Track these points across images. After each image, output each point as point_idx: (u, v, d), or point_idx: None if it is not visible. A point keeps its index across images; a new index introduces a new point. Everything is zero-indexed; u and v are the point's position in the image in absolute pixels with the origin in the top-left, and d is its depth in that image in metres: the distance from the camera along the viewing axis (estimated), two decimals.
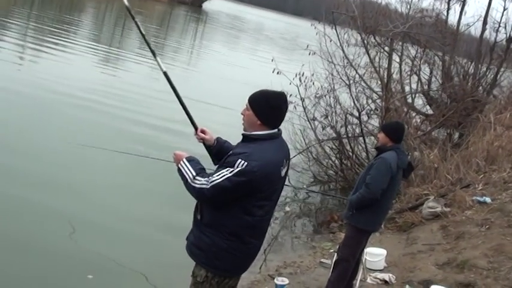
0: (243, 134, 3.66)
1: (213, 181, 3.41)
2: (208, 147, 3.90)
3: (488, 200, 8.66)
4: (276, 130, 3.63)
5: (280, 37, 57.08)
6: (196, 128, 3.91)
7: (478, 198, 8.73)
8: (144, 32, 4.11)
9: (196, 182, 3.48)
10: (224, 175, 3.40)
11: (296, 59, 25.31)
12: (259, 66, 26.06)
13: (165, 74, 3.98)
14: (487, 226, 7.76)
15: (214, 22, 61.30)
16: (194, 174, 3.52)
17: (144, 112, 13.80)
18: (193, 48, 28.67)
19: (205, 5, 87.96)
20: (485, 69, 15.28)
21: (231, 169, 3.39)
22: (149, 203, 8.38)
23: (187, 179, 3.53)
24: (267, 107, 3.57)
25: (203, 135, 3.87)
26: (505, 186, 9.31)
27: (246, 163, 3.37)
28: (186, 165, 3.59)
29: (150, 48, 4.23)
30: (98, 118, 12.35)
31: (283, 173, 3.66)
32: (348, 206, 5.93)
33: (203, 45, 30.91)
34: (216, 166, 3.61)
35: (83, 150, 8.75)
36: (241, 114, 3.66)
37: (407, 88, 14.39)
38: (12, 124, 10.57)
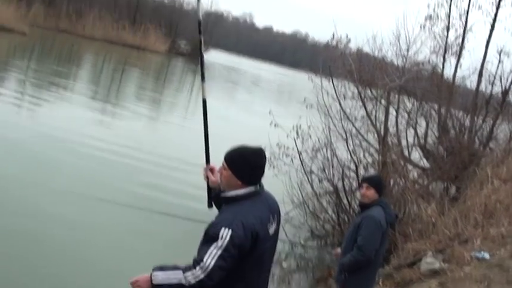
0: (222, 196, 3.53)
1: (207, 267, 3.16)
2: (210, 188, 3.84)
3: (486, 255, 8.55)
4: (257, 187, 3.51)
5: (277, 89, 57.53)
6: (208, 162, 3.88)
7: (477, 254, 8.63)
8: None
9: (190, 277, 3.19)
10: (214, 254, 3.16)
11: (293, 111, 25.40)
12: (255, 118, 26.14)
13: (204, 101, 4.00)
14: (486, 283, 7.65)
15: (211, 74, 61.66)
16: (181, 274, 3.21)
17: (143, 163, 13.79)
18: (189, 103, 28.76)
19: None
20: (481, 122, 15.31)
21: (219, 243, 3.17)
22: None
23: (179, 282, 3.21)
24: (246, 165, 3.45)
25: (210, 173, 3.81)
26: (503, 241, 9.21)
27: (229, 230, 3.19)
28: (163, 275, 3.25)
29: (202, 71, 4.46)
30: (97, 168, 12.34)
31: (271, 230, 3.50)
32: (340, 269, 5.73)
33: (199, 99, 30.99)
34: (201, 239, 3.31)
35: (83, 203, 8.69)
36: (218, 172, 3.62)
37: (403, 141, 14.39)
38: (11, 176, 10.53)
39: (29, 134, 13.89)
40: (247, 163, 3.46)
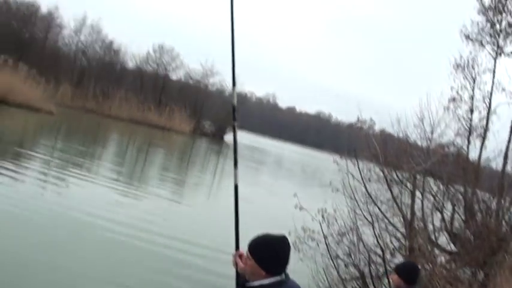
0: (247, 287, 3.47)
1: None
2: (239, 275, 3.78)
3: None
4: (282, 276, 3.42)
5: (301, 170, 57.46)
6: (237, 248, 3.82)
7: None
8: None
9: None
10: None
11: (317, 193, 25.26)
12: (279, 200, 26.06)
13: (235, 187, 4.02)
14: None
15: None
16: None
17: (166, 248, 13.68)
18: (212, 185, 28.77)
19: (226, 137, 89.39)
20: (508, 204, 15.07)
21: None
22: None
23: None
24: (270, 255, 3.39)
25: (239, 260, 3.77)
26: None
27: None
28: None
29: (235, 157, 4.40)
30: (119, 252, 12.25)
31: None
32: None
33: (222, 181, 31.03)
34: None
35: None
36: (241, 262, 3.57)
37: (430, 225, 14.18)
38: (31, 259, 10.48)
39: (51, 215, 13.91)
40: (271, 252, 3.40)
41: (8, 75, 47.06)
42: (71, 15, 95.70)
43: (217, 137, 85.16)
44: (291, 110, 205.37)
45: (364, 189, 12.45)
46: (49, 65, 64.37)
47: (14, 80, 47.14)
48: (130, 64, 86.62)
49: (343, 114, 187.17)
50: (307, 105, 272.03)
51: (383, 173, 12.64)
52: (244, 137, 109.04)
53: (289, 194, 14.00)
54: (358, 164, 12.51)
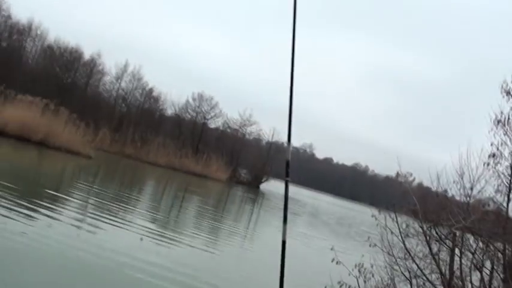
0: None
1: None
2: None
3: None
4: None
5: (337, 222, 56.92)
6: None
7: None
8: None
9: None
10: None
11: (353, 247, 24.96)
12: (315, 253, 25.79)
13: (283, 242, 4.01)
14: None
15: (271, 204, 61.74)
16: None
17: None
18: (246, 233, 28.58)
19: (262, 186, 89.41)
20: None
21: None
22: None
23: None
24: None
25: None
26: None
27: None
28: None
29: (285, 214, 4.60)
30: None
31: None
32: None
33: (257, 230, 30.89)
34: None
35: None
36: None
37: (468, 284, 13.81)
38: None
39: (85, 259, 13.89)
40: None
41: (50, 119, 47.89)
42: (113, 62, 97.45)
43: (253, 186, 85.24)
44: (327, 161, 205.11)
45: (402, 245, 12.21)
46: (89, 110, 65.41)
47: (55, 123, 47.94)
48: (170, 111, 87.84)
49: (379, 166, 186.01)
50: (344, 156, 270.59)
51: (422, 229, 12.39)
52: (279, 186, 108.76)
53: (324, 246, 13.81)
54: (396, 218, 12.30)
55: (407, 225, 12.46)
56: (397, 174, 13.14)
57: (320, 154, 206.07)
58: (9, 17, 68.89)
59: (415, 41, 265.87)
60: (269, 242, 27.05)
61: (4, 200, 17.64)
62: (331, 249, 11.70)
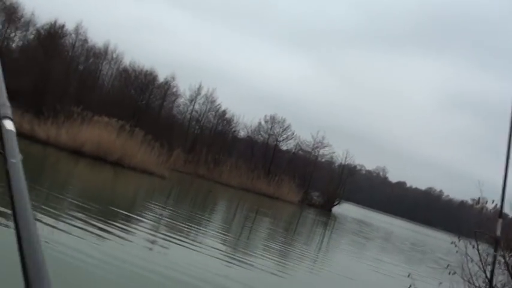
0: None
1: None
2: None
3: None
4: None
5: (411, 248, 55.80)
6: None
7: None
8: None
9: None
10: None
11: (428, 274, 24.32)
12: (387, 279, 25.24)
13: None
14: None
15: (342, 227, 61.15)
16: None
17: None
18: (317, 258, 28.24)
19: (334, 209, 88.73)
20: None
21: None
22: None
23: None
24: None
25: None
26: None
27: None
28: None
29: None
30: None
31: None
32: None
33: (328, 255, 30.51)
34: None
35: None
36: None
37: None
38: None
39: (154, 280, 13.93)
40: None
41: (125, 139, 48.86)
42: (186, 84, 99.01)
43: (325, 209, 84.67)
44: (400, 185, 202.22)
45: (483, 274, 11.77)
46: (164, 131, 66.47)
47: (130, 144, 48.91)
48: (242, 133, 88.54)
49: (454, 191, 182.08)
50: (417, 180, 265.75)
51: (504, 258, 11.94)
52: (352, 210, 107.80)
53: (398, 273, 13.45)
54: (477, 246, 11.88)
55: (487, 254, 12.02)
56: (478, 201, 12.72)
57: (393, 177, 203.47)
58: (85, 41, 70.93)
59: (499, 62, 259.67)
60: (339, 268, 26.68)
61: (78, 220, 17.93)
62: (408, 276, 11.41)
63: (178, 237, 21.04)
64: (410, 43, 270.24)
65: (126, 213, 24.48)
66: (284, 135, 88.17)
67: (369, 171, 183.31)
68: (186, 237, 21.54)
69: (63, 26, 67.94)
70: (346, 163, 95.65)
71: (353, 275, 24.94)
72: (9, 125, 1.75)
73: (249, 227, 34.18)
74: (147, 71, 74.72)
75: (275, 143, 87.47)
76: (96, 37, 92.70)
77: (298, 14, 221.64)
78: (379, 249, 44.83)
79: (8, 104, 1.85)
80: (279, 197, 75.12)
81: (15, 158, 1.61)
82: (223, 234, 26.35)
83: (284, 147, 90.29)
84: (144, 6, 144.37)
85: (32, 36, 69.46)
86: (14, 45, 69.40)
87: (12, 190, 1.49)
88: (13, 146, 1.65)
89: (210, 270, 16.95)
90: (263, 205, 60.42)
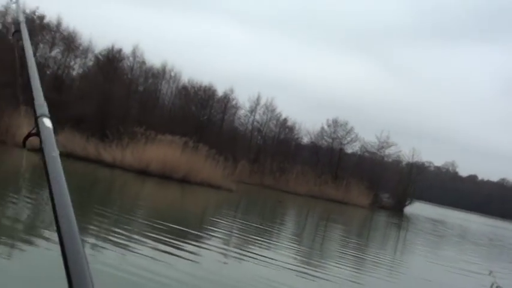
0: None
1: None
2: None
3: None
4: None
5: (489, 243, 54.39)
6: None
7: None
8: None
9: None
10: None
11: (509, 270, 23.42)
12: (466, 280, 24.49)
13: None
14: None
15: (415, 227, 60.02)
16: None
17: None
18: (392, 263, 27.52)
19: (406, 209, 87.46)
20: None
21: None
22: None
23: None
24: None
25: None
26: None
27: None
28: None
29: None
30: None
31: None
32: None
33: (403, 259, 29.74)
34: None
35: None
36: None
37: None
38: None
39: None
40: None
41: (189, 156, 49.18)
42: (246, 96, 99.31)
43: (396, 210, 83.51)
44: (472, 178, 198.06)
45: None
46: (227, 144, 66.80)
47: (195, 159, 49.23)
48: (305, 140, 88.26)
49: None
50: (489, 173, 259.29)
51: None
52: (424, 208, 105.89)
53: (476, 270, 12.87)
54: None
55: None
56: None
57: (463, 172, 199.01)
58: (143, 62, 71.99)
59: None
60: (416, 270, 26.00)
61: (150, 241, 17.88)
62: (489, 274, 10.92)
63: (250, 251, 20.83)
64: (465, 34, 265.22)
65: (196, 229, 24.44)
66: (348, 138, 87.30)
67: (437, 168, 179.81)
68: (258, 251, 21.29)
69: (120, 50, 69.14)
70: (414, 161, 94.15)
71: (430, 277, 24.24)
72: (47, 122, 1.89)
73: (321, 236, 33.76)
74: (205, 86, 75.37)
75: (340, 146, 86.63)
76: (154, 57, 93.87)
77: (352, 15, 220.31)
78: (455, 247, 43.71)
79: (45, 103, 2.00)
80: (348, 202, 74.30)
81: (55, 152, 1.72)
82: (295, 244, 26.04)
83: (349, 150, 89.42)
84: (198, 23, 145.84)
85: (91, 62, 71.03)
86: (74, 73, 71.08)
87: (51, 183, 1.59)
88: (51, 142, 1.78)
89: (285, 283, 16.65)
90: (333, 211, 59.84)
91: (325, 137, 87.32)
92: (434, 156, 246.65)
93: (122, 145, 49.49)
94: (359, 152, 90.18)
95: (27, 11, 63.61)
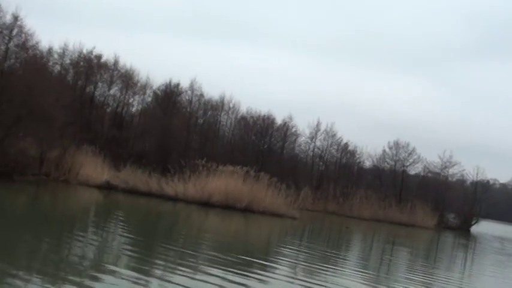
0: None
1: None
2: None
3: None
4: None
5: None
6: None
7: None
8: None
9: None
10: None
11: None
12: None
13: None
14: None
15: (483, 248, 58.63)
16: None
17: None
18: (461, 285, 26.91)
19: (472, 228, 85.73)
20: None
21: None
22: None
23: None
24: None
25: None
26: None
27: None
28: None
29: None
30: None
31: None
32: None
33: (472, 281, 29.04)
34: None
35: None
36: None
37: None
38: None
39: None
40: None
41: (251, 185, 49.38)
42: (305, 122, 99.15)
43: (463, 230, 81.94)
44: None
45: None
46: (288, 172, 66.87)
47: (256, 189, 49.41)
48: (367, 163, 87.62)
49: None
50: None
51: None
52: (490, 227, 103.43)
53: None
54: None
55: None
56: None
57: None
58: (201, 95, 73.15)
59: None
60: None
61: (215, 277, 17.90)
62: None
63: (317, 278, 20.72)
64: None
65: (262, 259, 24.41)
66: (410, 160, 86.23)
67: (503, 185, 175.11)
68: (325, 278, 21.16)
69: (178, 84, 70.36)
70: (478, 179, 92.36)
71: None
72: None
73: (387, 260, 33.28)
74: (264, 115, 75.87)
75: (402, 168, 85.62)
76: (212, 89, 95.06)
77: (409, 38, 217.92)
78: None
79: None
80: (413, 224, 73.29)
81: None
82: (362, 271, 25.73)
83: (412, 172, 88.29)
84: (254, 52, 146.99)
85: (149, 98, 72.43)
86: (133, 109, 72.50)
87: None
88: None
89: None
90: (398, 234, 58.98)
91: (387, 160, 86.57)
92: (499, 174, 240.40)
93: (184, 178, 50.07)
94: (422, 173, 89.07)
95: (84, 50, 65.44)
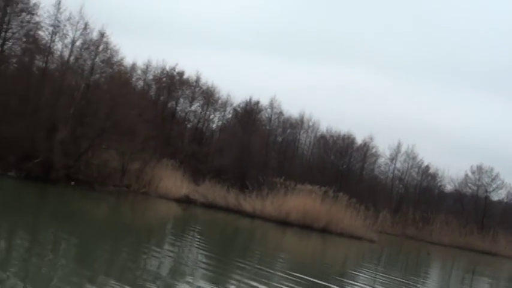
0: None
1: None
2: None
3: None
4: None
5: None
6: None
7: None
8: None
9: None
10: None
11: None
12: None
13: None
14: None
15: None
16: None
17: None
18: None
19: None
20: None
21: None
22: None
23: None
24: None
25: None
26: None
27: None
28: None
29: None
30: None
31: None
32: None
33: None
34: None
35: None
36: None
37: None
38: None
39: None
40: None
41: (330, 205, 48.84)
42: (386, 143, 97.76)
43: None
44: None
45: None
46: (367, 193, 65.95)
47: (335, 209, 48.83)
48: (449, 187, 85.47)
49: None
50: None
51: None
52: None
53: None
54: None
55: None
56: None
57: None
58: (281, 113, 73.45)
59: None
60: None
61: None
62: None
63: None
64: None
65: (336, 283, 23.89)
66: (494, 185, 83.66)
67: None
68: None
69: (258, 102, 70.84)
70: None
71: None
72: None
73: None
74: (344, 134, 75.32)
75: (485, 194, 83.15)
76: (291, 108, 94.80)
77: (492, 54, 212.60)
78: None
79: None
80: (496, 253, 70.78)
81: None
82: None
83: (495, 198, 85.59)
84: (334, 70, 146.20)
85: (229, 115, 73.19)
86: (213, 125, 73.46)
87: None
88: None
89: None
90: (479, 263, 57.11)
91: (469, 184, 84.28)
92: None
93: (262, 195, 49.98)
94: (506, 199, 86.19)
95: (167, 67, 66.61)
